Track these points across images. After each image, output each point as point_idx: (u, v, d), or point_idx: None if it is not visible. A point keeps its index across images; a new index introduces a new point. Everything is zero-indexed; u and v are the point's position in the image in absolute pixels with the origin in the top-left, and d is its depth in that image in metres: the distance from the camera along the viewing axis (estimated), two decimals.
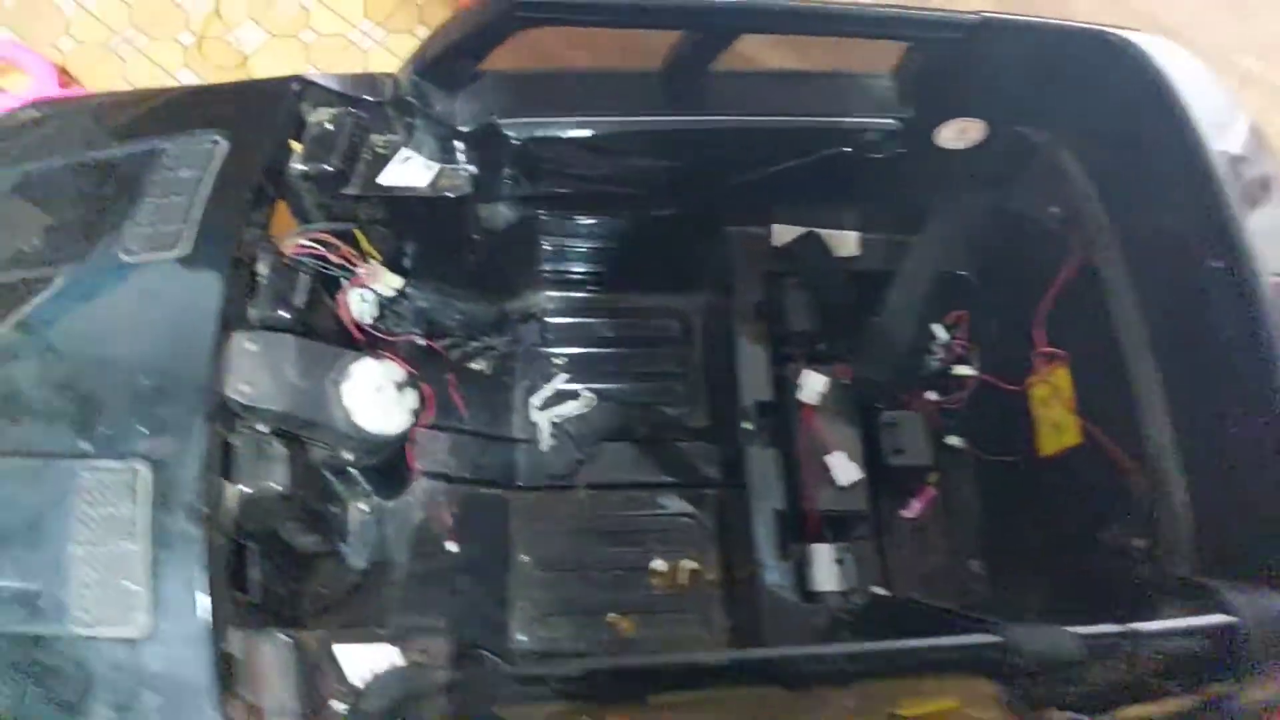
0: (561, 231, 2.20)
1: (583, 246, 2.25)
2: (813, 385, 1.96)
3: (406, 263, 2.03)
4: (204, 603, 1.31)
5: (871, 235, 2.12)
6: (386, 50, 2.88)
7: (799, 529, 1.89)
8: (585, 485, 2.12)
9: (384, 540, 1.91)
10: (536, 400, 2.21)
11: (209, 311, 1.48)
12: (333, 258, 1.79)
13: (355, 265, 1.86)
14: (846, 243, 2.11)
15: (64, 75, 2.75)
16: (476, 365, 2.25)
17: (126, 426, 1.39)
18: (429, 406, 1.78)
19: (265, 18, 2.89)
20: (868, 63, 1.90)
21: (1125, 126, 1.64)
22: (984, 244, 1.99)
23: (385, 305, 2.01)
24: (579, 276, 2.31)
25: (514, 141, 1.82)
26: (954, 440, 2.06)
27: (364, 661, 1.49)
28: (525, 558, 2.07)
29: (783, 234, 2.11)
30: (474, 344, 2.25)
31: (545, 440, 2.13)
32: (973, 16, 1.53)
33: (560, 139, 1.84)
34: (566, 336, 2.31)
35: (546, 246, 2.24)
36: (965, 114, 1.77)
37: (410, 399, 1.70)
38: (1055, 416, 1.78)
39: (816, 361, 2.05)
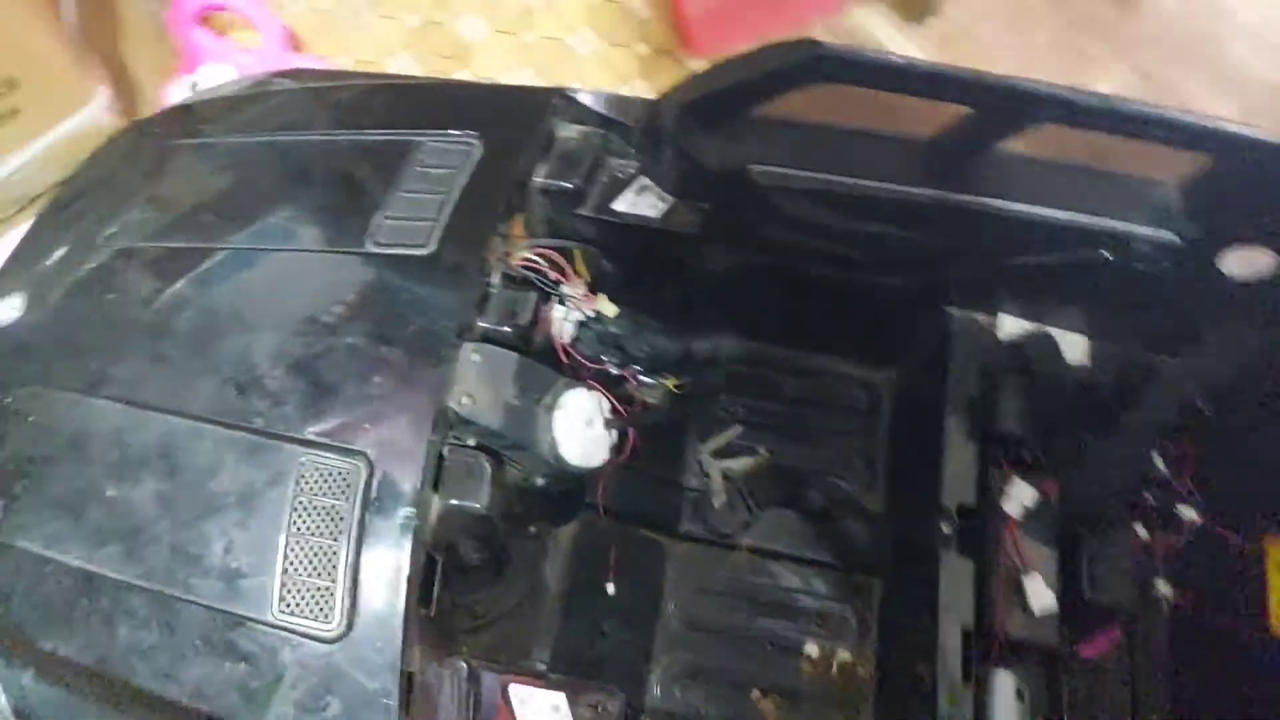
0: (769, 280, 2.12)
1: (785, 298, 2.17)
2: (1021, 497, 1.82)
3: (609, 286, 1.98)
4: (401, 614, 1.27)
5: (1105, 346, 1.97)
6: (603, 62, 2.86)
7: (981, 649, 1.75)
8: (747, 547, 2.03)
9: (545, 568, 1.86)
10: (708, 448, 2.13)
11: (450, 316, 1.45)
12: (553, 274, 1.75)
13: (568, 284, 1.83)
14: (1075, 348, 1.96)
15: (292, 38, 2.81)
16: (653, 400, 2.19)
17: (354, 421, 1.37)
18: (627, 448, 1.72)
19: (491, 12, 2.90)
20: (1134, 164, 1.77)
21: None
22: (1236, 378, 1.82)
23: (582, 326, 1.97)
24: (773, 328, 2.23)
25: (761, 189, 1.75)
26: (1163, 586, 1.89)
27: (535, 706, 1.43)
28: (674, 610, 2.00)
29: (1008, 326, 1.98)
30: (655, 378, 2.19)
31: (718, 494, 2.04)
32: None
33: (808, 193, 1.76)
34: (748, 387, 2.23)
35: (750, 293, 2.16)
36: (1258, 242, 1.61)
37: (613, 435, 1.64)
38: None
39: (1021, 469, 1.92)
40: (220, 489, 1.35)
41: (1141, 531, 1.92)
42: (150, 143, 1.82)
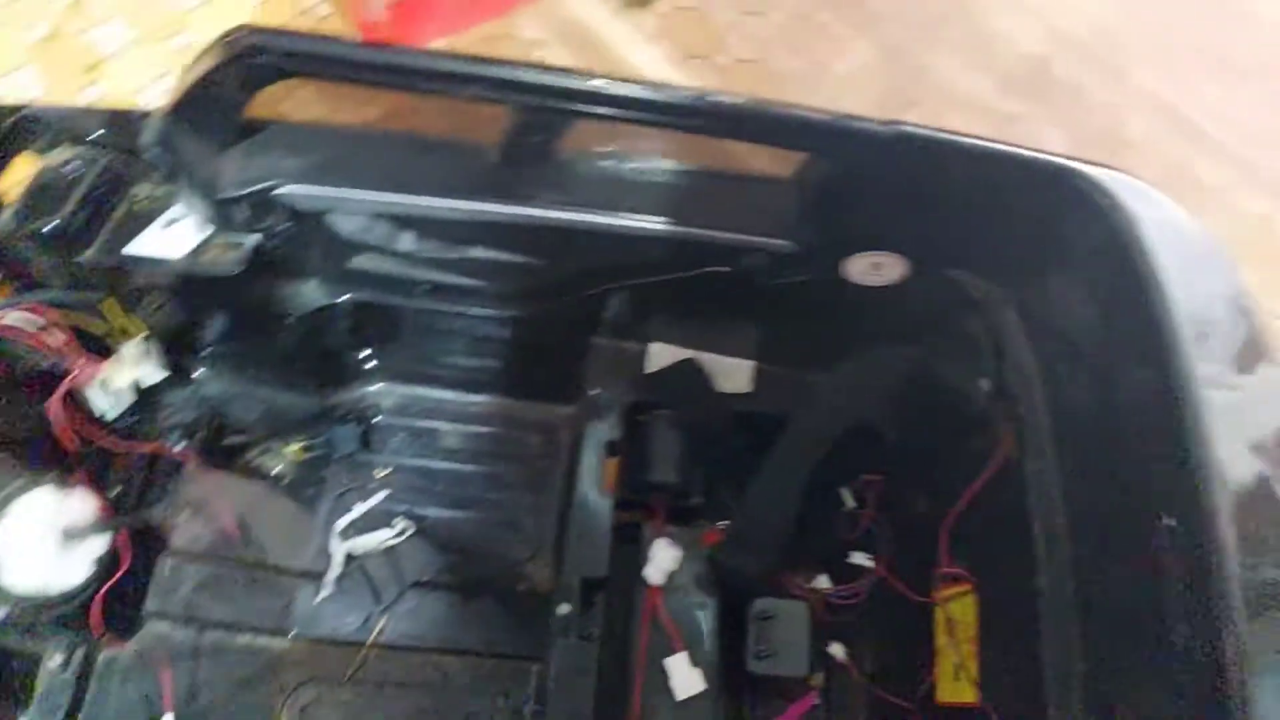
0: (401, 318, 1.79)
1: (429, 337, 1.84)
2: (660, 561, 1.53)
3: (203, 338, 1.63)
4: None
5: (771, 368, 1.70)
6: None
7: None
8: (374, 644, 1.68)
9: (85, 704, 1.48)
10: (341, 524, 1.79)
11: None
12: (46, 340, 1.38)
13: (74, 354, 1.44)
14: (737, 374, 1.69)
15: None
16: (276, 469, 1.84)
17: None
18: (125, 557, 1.35)
19: (137, 16, 2.50)
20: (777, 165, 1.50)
21: (1083, 290, 1.23)
22: (906, 401, 1.57)
23: (148, 395, 1.61)
24: (423, 371, 1.90)
25: (305, 215, 1.42)
26: (836, 650, 1.62)
27: None
28: None
29: (661, 355, 1.69)
30: (274, 443, 1.83)
31: (330, 580, 1.69)
32: (885, 129, 1.12)
33: (368, 216, 1.43)
34: (398, 443, 1.89)
35: (381, 333, 1.83)
36: (880, 246, 1.36)
37: (96, 545, 1.28)
38: (956, 655, 1.35)
39: (680, 521, 1.64)
40: None
41: (823, 581, 1.67)
42: None
